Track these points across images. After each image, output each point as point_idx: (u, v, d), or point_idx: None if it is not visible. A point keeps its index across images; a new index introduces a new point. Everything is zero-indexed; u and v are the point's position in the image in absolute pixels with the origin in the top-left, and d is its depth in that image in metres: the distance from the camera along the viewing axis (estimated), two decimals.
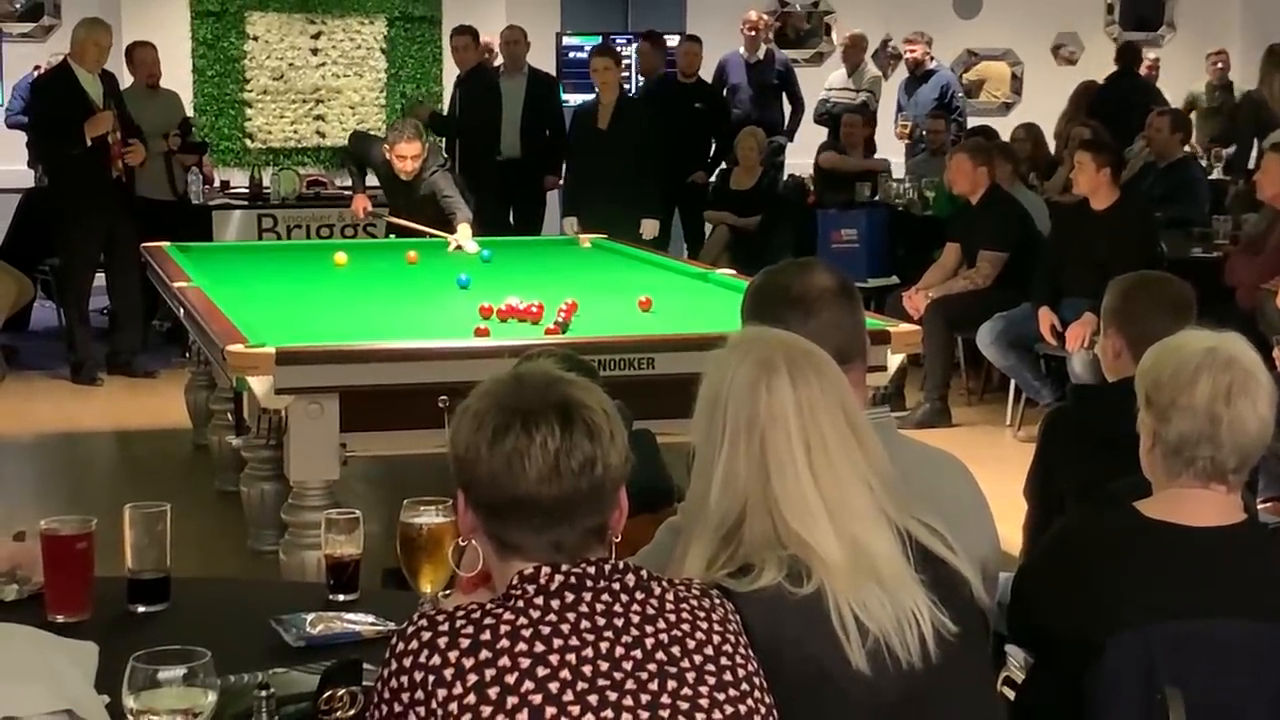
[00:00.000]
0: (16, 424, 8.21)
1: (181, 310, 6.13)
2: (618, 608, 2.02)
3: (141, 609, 2.76)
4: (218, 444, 6.74)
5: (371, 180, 8.90)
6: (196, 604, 2.84)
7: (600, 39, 11.75)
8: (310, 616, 2.67)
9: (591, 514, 2.07)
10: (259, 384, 4.78)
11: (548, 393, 2.08)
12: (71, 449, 7.98)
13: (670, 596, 2.07)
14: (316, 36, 12.83)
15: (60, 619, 2.70)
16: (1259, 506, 4.90)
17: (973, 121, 12.23)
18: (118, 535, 2.80)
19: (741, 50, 12.00)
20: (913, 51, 12.30)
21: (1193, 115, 12.81)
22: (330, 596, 2.83)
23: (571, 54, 12.48)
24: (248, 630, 2.65)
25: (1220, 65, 12.80)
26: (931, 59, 12.39)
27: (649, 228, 9.25)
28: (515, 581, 2.03)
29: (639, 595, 2.05)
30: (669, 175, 11.09)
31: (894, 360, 5.24)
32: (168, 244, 7.59)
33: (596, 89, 9.81)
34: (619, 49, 12.41)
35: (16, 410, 8.53)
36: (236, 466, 6.10)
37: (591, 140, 9.69)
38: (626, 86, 12.20)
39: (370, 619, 2.70)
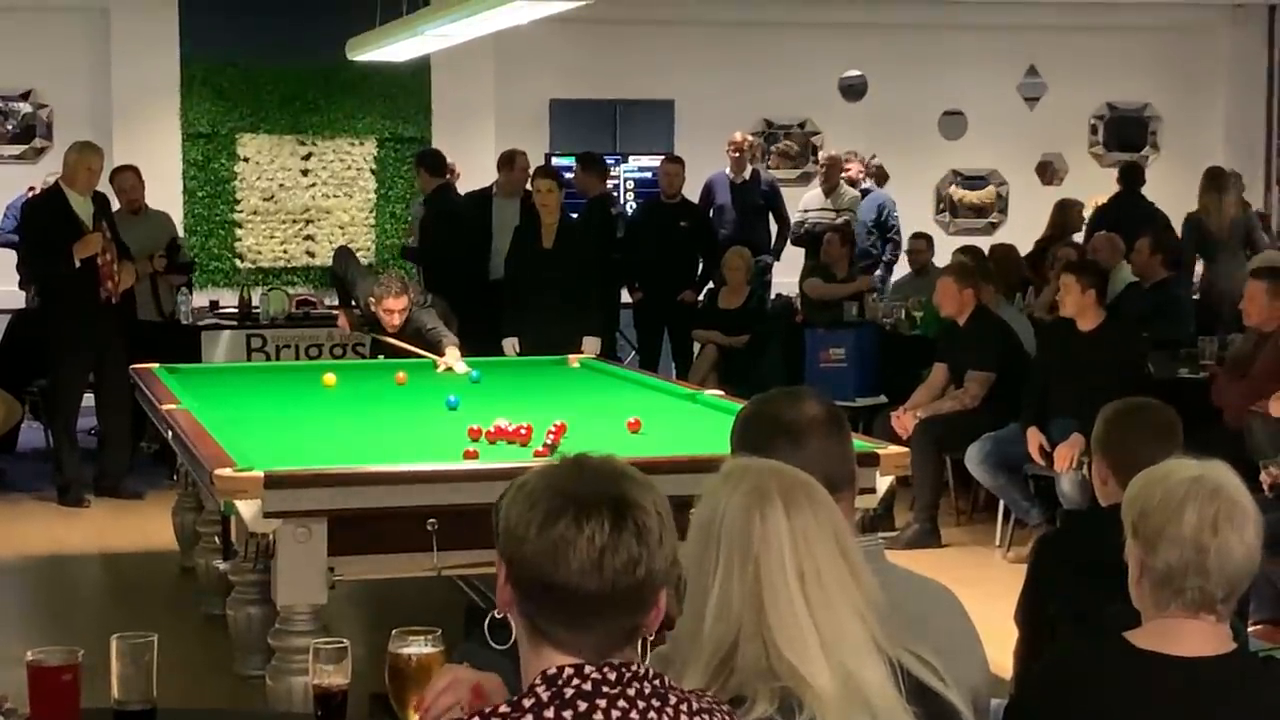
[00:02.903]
0: (3, 546, 8.18)
1: (170, 433, 6.11)
2: (634, 715, 2.02)
3: None
4: (205, 567, 6.69)
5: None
6: None
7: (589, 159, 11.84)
8: None
9: (627, 614, 2.06)
10: (247, 508, 4.77)
11: (605, 485, 2.07)
12: (58, 572, 7.93)
13: (685, 708, 2.06)
14: (307, 157, 12.92)
15: None
16: (1250, 629, 4.90)
17: (958, 241, 12.28)
18: (104, 660, 2.78)
19: (727, 170, 12.10)
20: (847, 170, 12.39)
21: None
22: None
23: (562, 174, 12.57)
24: None
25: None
26: (866, 178, 12.47)
27: (590, 345, 9.25)
28: (537, 681, 2.02)
29: (655, 703, 2.04)
30: (658, 295, 11.21)
31: (883, 482, 5.23)
32: (156, 365, 7.59)
33: (538, 209, 9.85)
34: (609, 168, 12.56)
35: (3, 532, 8.50)
36: (223, 590, 6.06)
37: (533, 260, 9.73)
38: (615, 208, 12.30)
39: None
